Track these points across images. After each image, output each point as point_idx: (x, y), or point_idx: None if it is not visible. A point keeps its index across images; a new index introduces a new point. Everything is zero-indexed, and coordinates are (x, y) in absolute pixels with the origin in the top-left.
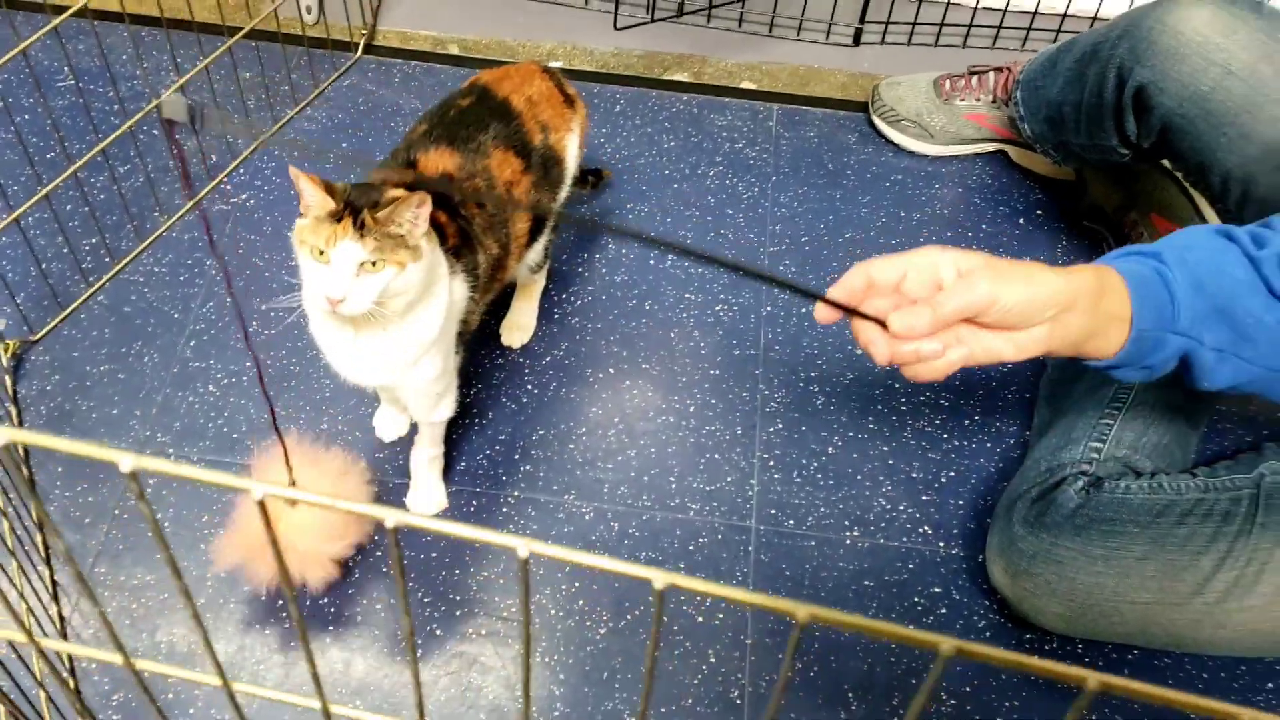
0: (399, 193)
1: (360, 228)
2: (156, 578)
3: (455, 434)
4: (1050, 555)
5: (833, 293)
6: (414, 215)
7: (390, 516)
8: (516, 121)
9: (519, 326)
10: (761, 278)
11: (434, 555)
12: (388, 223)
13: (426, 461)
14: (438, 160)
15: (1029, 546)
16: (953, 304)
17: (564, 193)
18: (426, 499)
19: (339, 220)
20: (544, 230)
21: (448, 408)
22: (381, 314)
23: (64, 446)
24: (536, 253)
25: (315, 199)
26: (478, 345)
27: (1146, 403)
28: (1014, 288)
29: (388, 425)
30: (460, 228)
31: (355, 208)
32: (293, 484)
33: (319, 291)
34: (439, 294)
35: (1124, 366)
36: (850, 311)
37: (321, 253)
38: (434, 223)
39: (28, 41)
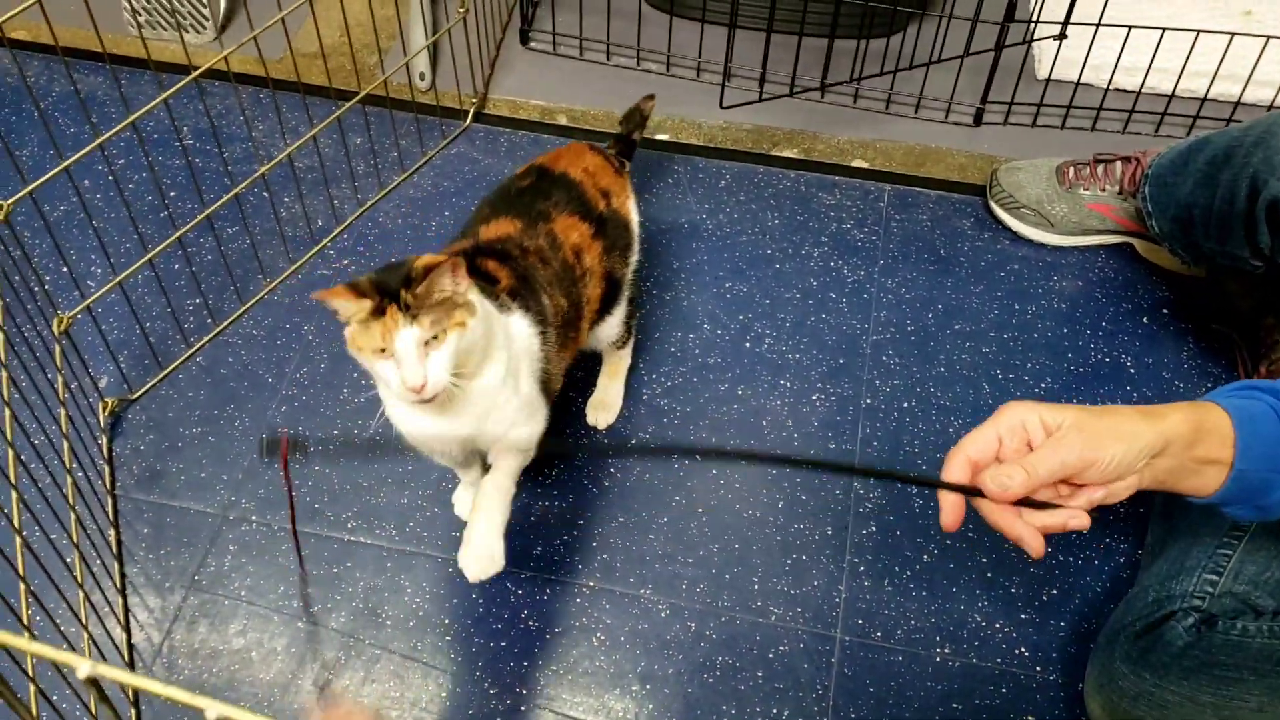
0: (426, 259)
1: (407, 310)
2: (229, 647)
3: (533, 516)
4: (1154, 698)
5: (945, 478)
6: (451, 278)
7: None
8: (578, 189)
9: (604, 405)
10: (854, 471)
11: None
12: (430, 294)
13: (491, 497)
14: (498, 228)
15: (1131, 686)
16: (1045, 467)
17: (634, 258)
18: (483, 557)
19: (383, 313)
20: (620, 299)
21: (531, 430)
22: (461, 379)
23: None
24: (614, 326)
25: (350, 307)
26: (562, 425)
27: (1274, 531)
28: (1107, 449)
29: (468, 504)
30: (515, 272)
31: (392, 293)
32: None
33: (397, 386)
34: (498, 336)
35: (1231, 505)
36: (948, 487)
37: (383, 350)
38: (481, 271)
39: (141, 111)
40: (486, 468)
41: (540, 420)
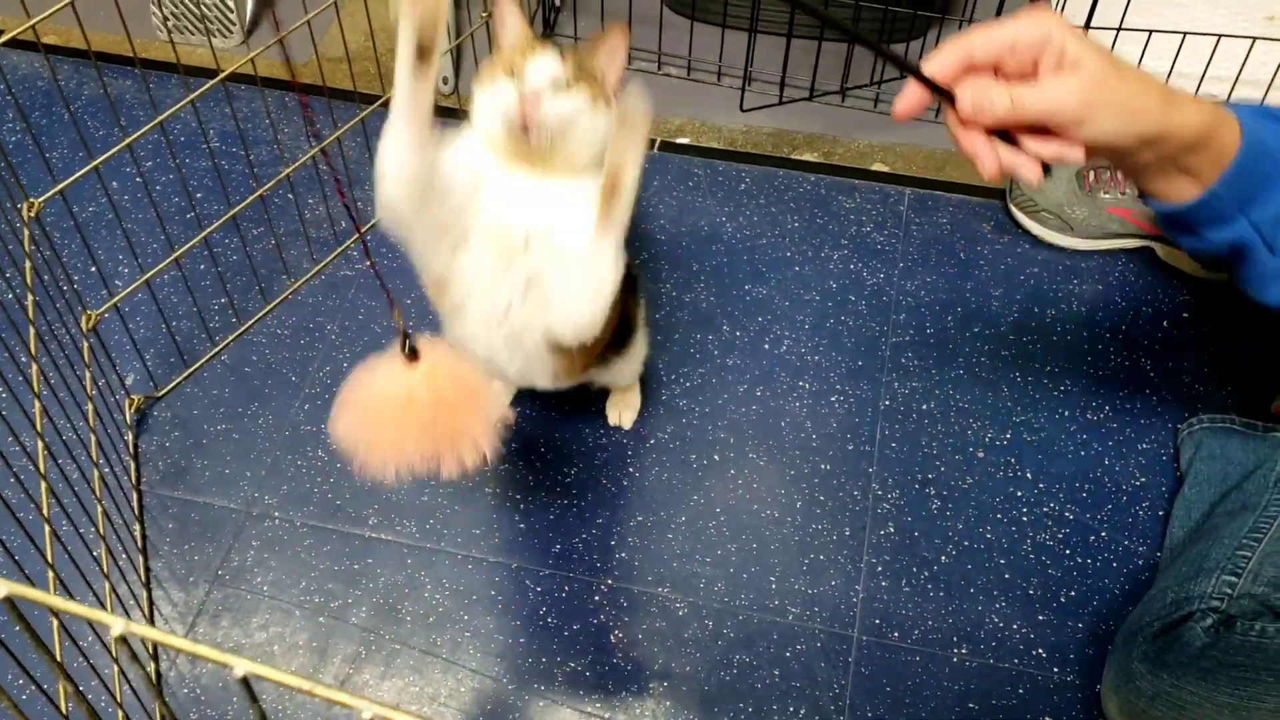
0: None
1: (560, 55)
2: (252, 641)
3: (551, 515)
4: (1171, 698)
5: (927, 68)
6: (611, 53)
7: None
8: None
9: (627, 405)
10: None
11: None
12: (587, 56)
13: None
14: None
15: (1148, 686)
16: (1035, 109)
17: (642, 303)
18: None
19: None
20: (633, 339)
21: (600, 311)
22: (564, 153)
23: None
24: (627, 374)
25: (516, 30)
26: (581, 423)
27: None
28: (1107, 120)
29: None
30: None
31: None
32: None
33: (508, 108)
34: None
35: (1172, 226)
36: (920, 79)
37: (512, 73)
38: None
39: (170, 111)
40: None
41: (605, 308)
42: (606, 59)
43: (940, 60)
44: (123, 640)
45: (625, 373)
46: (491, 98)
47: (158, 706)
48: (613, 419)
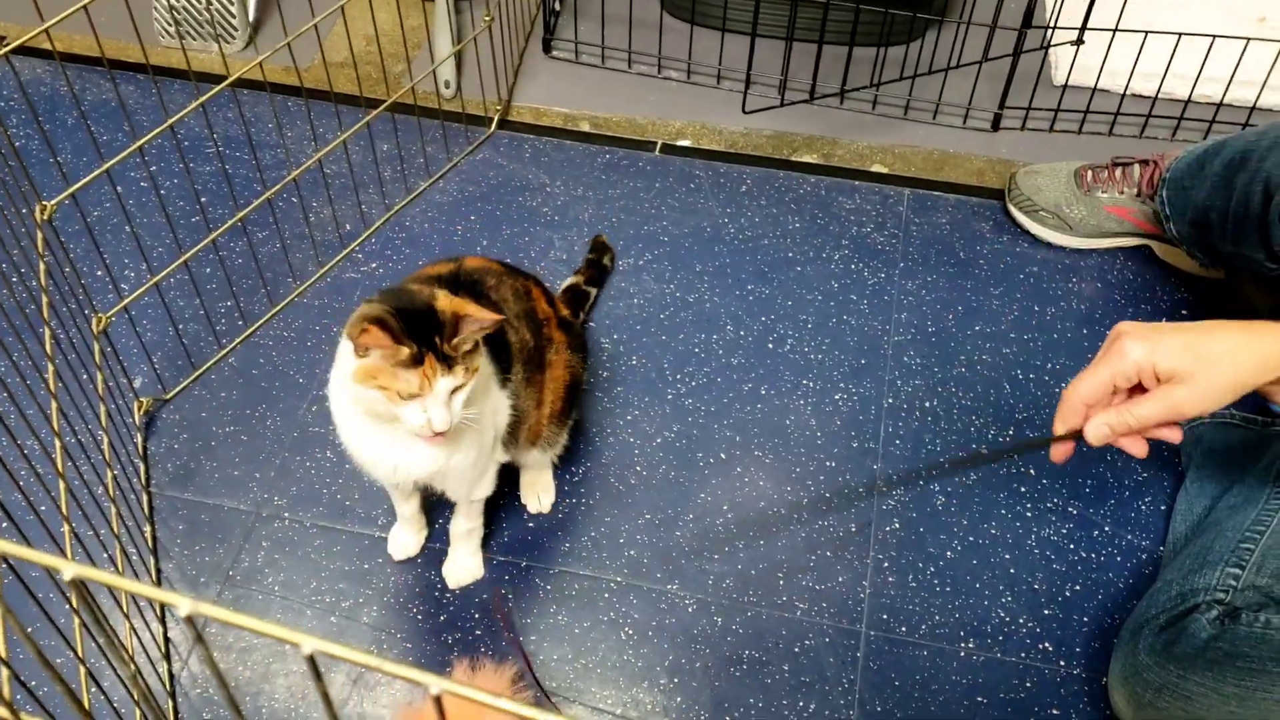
0: (453, 304)
1: (444, 361)
2: (263, 641)
3: (561, 513)
4: (1178, 689)
5: (1058, 429)
6: (479, 329)
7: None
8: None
9: (545, 487)
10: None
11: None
12: (464, 344)
13: (464, 533)
14: (476, 262)
15: (1155, 678)
16: (1153, 419)
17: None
18: (462, 570)
19: (421, 361)
20: (573, 409)
21: (485, 488)
22: (467, 416)
23: (246, 623)
24: (539, 459)
25: (388, 352)
26: (587, 423)
27: None
28: (1212, 403)
29: (401, 544)
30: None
31: (427, 341)
32: None
33: (419, 427)
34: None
35: None
36: (1059, 439)
37: (414, 395)
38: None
39: (180, 114)
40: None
41: (488, 482)
42: (476, 334)
43: (1065, 418)
44: (189, 620)
45: (538, 459)
46: (394, 413)
47: (170, 705)
48: (531, 506)
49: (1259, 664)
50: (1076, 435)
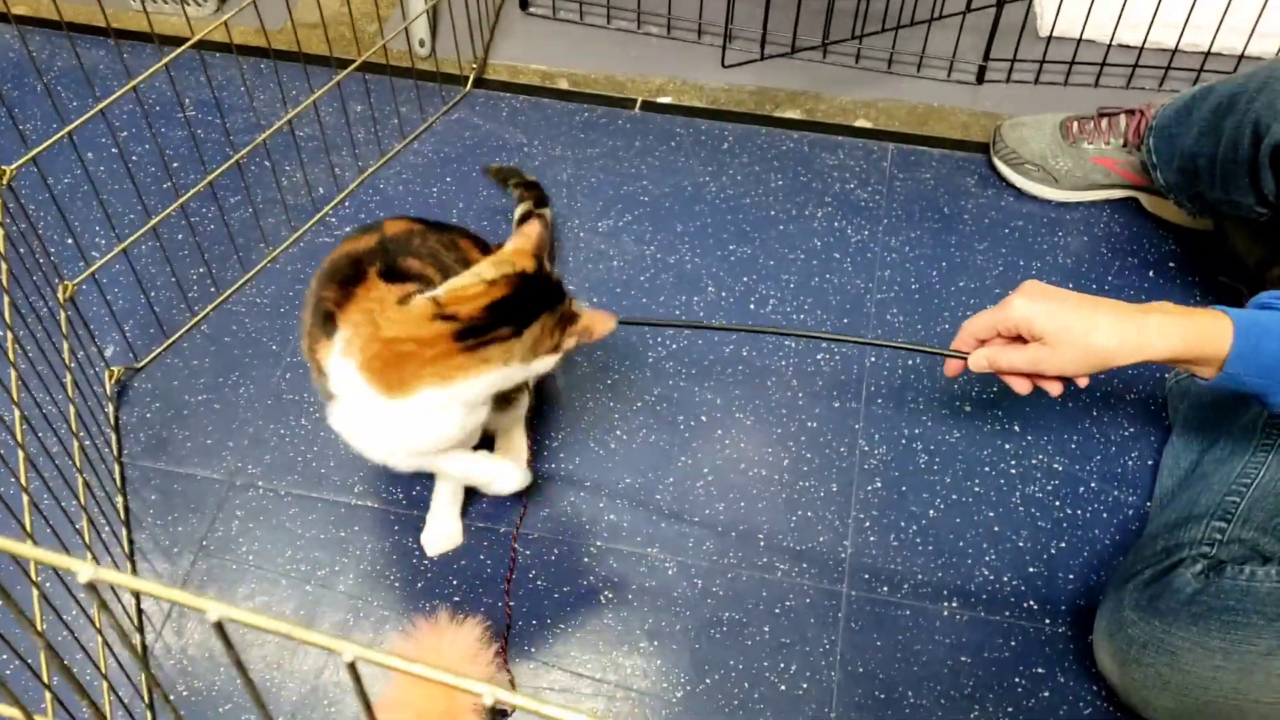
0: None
1: None
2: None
3: (540, 478)
4: (1163, 644)
5: (954, 345)
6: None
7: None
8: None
9: (516, 452)
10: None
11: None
12: None
13: (449, 495)
14: (397, 226)
15: (1140, 633)
16: (1017, 365)
17: None
18: (443, 536)
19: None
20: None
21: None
22: None
23: (273, 627)
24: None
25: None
26: (566, 388)
27: None
28: (1072, 368)
29: (448, 534)
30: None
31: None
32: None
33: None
34: None
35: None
36: (944, 354)
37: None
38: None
39: (143, 76)
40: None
41: None
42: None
43: (959, 343)
44: (92, 588)
45: (510, 419)
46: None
47: (144, 677)
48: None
49: (1244, 616)
50: (963, 356)
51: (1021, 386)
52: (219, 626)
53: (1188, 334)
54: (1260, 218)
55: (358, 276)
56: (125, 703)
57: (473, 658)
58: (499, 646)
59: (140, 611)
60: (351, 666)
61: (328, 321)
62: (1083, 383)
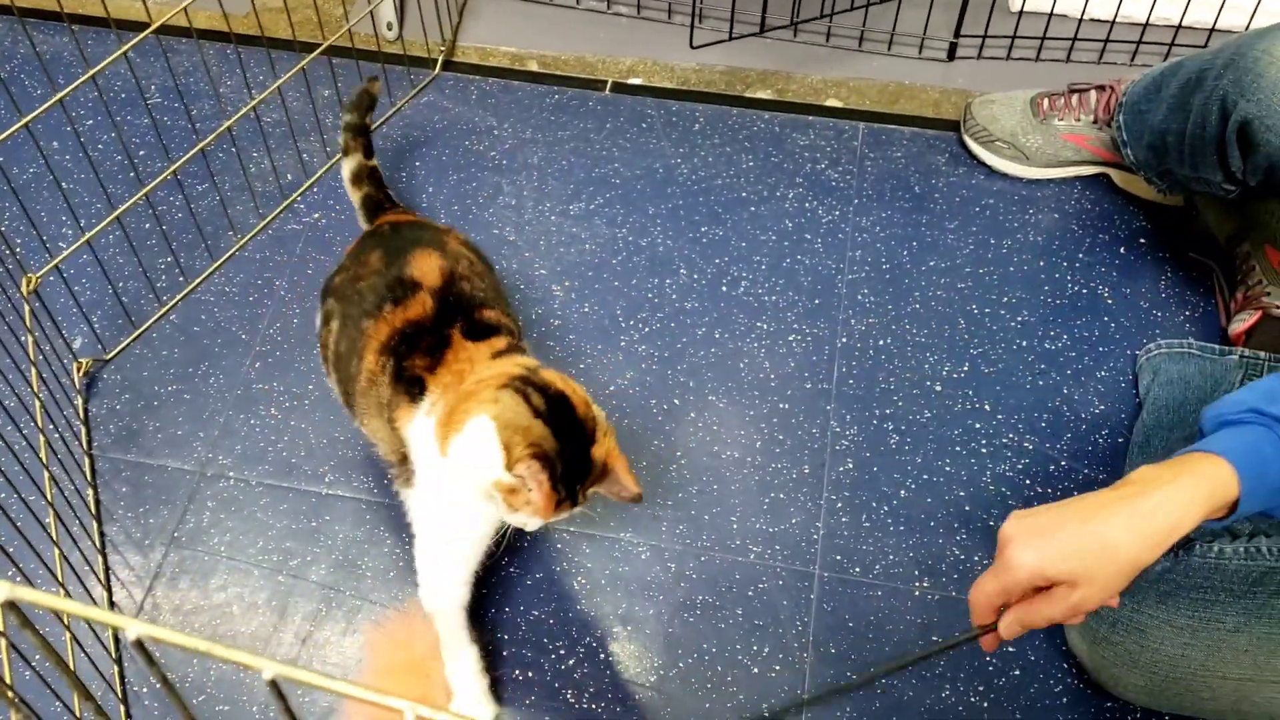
0: (608, 455)
1: (575, 502)
2: (211, 602)
3: None
4: (1132, 623)
5: (976, 620)
6: (617, 492)
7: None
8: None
9: None
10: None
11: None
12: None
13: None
14: (424, 264)
15: (1109, 612)
16: (1058, 619)
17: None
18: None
19: (559, 506)
20: None
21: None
22: None
23: (192, 645)
24: None
25: (537, 484)
26: None
27: None
28: (1113, 589)
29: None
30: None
31: (570, 491)
32: None
33: (517, 525)
34: None
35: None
36: (971, 639)
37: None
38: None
39: (102, 65)
40: None
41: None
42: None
43: (977, 617)
44: (13, 606)
45: None
46: (514, 518)
47: (115, 671)
48: None
49: (1212, 594)
50: (991, 629)
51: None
52: (139, 645)
53: (1199, 499)
54: (1229, 194)
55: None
56: (98, 699)
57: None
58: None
59: (112, 605)
60: (273, 684)
61: (413, 386)
62: (1114, 603)
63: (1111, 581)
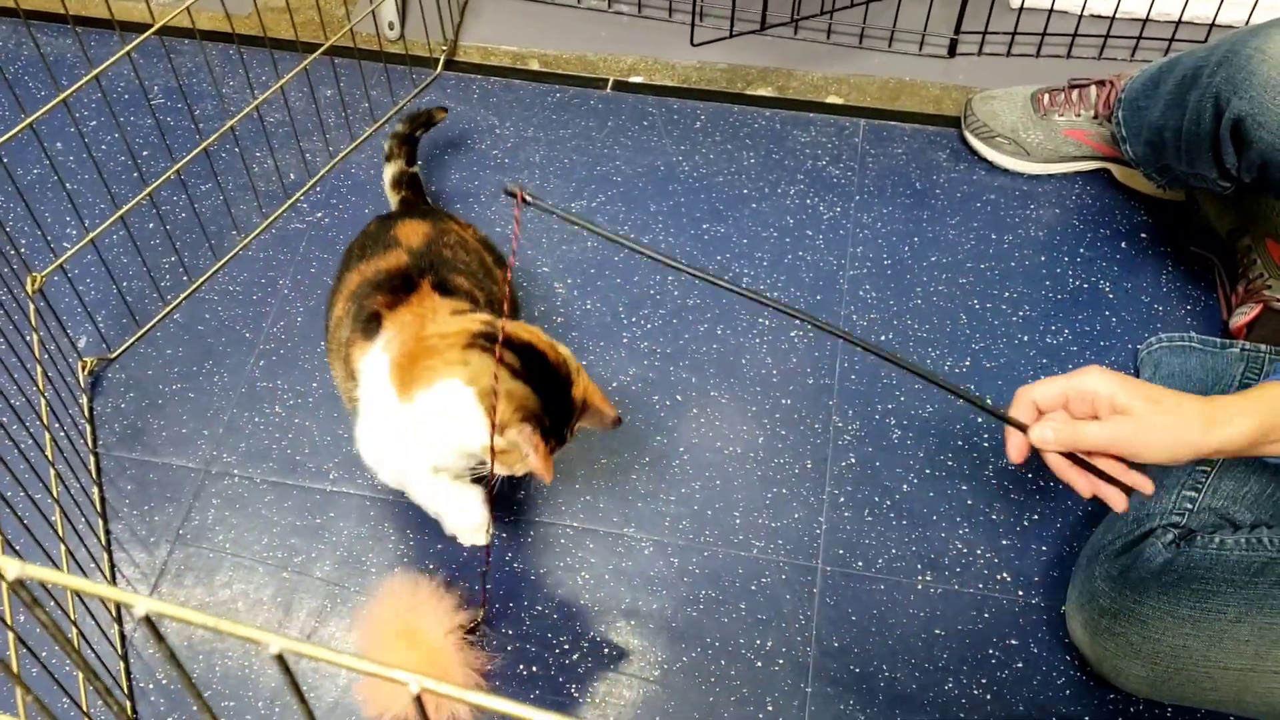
0: (586, 392)
1: (561, 441)
2: (216, 599)
3: None
4: (1134, 614)
5: (1011, 412)
6: (598, 422)
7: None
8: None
9: None
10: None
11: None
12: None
13: None
14: (411, 229)
15: (1111, 603)
16: (1090, 441)
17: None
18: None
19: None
20: None
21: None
22: None
23: (200, 620)
24: None
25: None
26: None
27: None
28: (1155, 454)
29: (482, 521)
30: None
31: (557, 432)
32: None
33: (501, 474)
34: None
35: None
36: (999, 418)
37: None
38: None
39: (105, 65)
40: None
41: None
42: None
43: (1017, 409)
44: (21, 584)
45: None
46: (499, 468)
47: (122, 667)
48: None
49: (1213, 585)
50: (1021, 426)
51: (1083, 486)
52: (148, 620)
53: (1263, 408)
54: (1224, 191)
55: (408, 286)
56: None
57: (443, 619)
58: (475, 623)
59: (119, 601)
60: (279, 658)
61: (370, 322)
62: (1148, 490)
63: (1166, 443)
